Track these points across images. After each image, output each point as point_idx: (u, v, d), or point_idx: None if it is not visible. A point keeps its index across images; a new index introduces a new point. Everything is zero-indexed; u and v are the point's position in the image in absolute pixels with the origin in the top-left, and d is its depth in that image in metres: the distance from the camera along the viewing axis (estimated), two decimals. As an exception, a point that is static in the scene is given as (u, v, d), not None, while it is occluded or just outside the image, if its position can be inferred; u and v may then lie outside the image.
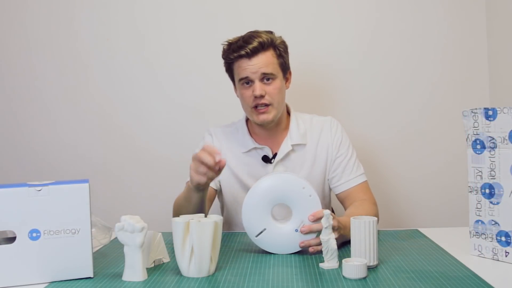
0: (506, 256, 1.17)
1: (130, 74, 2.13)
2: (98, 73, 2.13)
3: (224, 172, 1.42)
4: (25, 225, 1.09)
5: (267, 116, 1.54)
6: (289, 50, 1.62)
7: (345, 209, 1.57)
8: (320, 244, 1.21)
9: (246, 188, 1.55)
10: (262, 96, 1.52)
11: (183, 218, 1.18)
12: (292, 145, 1.60)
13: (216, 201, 1.73)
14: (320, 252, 1.22)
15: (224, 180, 1.63)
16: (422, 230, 1.51)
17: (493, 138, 1.18)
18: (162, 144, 2.13)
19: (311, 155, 1.61)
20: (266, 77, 1.53)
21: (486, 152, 1.20)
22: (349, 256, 1.19)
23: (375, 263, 1.15)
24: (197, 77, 2.11)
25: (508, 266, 1.15)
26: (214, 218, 1.16)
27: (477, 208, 1.22)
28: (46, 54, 2.14)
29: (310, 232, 1.26)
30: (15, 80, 2.15)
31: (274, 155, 1.60)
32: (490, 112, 1.18)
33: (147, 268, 1.16)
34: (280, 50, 1.56)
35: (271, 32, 1.58)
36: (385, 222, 2.05)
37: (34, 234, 1.09)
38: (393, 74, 2.08)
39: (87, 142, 2.14)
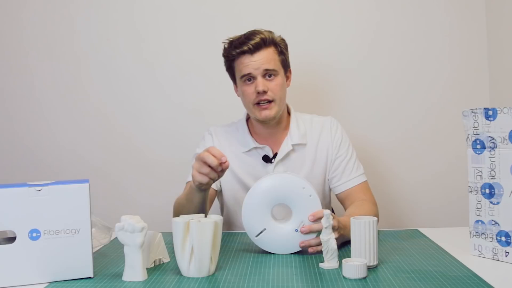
0: (506, 256, 1.17)
1: (130, 75, 2.13)
2: (98, 73, 2.13)
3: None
4: (25, 225, 1.09)
5: (270, 112, 1.55)
6: (290, 50, 1.63)
7: (345, 209, 1.57)
8: (320, 244, 1.21)
9: (246, 188, 1.55)
10: (264, 92, 1.53)
11: (183, 218, 1.18)
12: (293, 145, 1.60)
13: (216, 201, 1.73)
14: (320, 252, 1.23)
15: (224, 180, 1.63)
16: (422, 230, 1.51)
17: (493, 138, 1.18)
18: (162, 144, 2.13)
19: (311, 155, 1.61)
20: (268, 73, 1.54)
21: (486, 152, 1.20)
22: (349, 256, 1.19)
23: (375, 263, 1.15)
24: (197, 78, 2.11)
25: (508, 266, 1.15)
26: (214, 218, 1.16)
27: (477, 208, 1.22)
28: (46, 54, 2.13)
29: (310, 232, 1.26)
30: (14, 81, 2.15)
31: (275, 155, 1.60)
32: (490, 112, 1.18)
33: (147, 268, 1.16)
34: (281, 47, 1.57)
35: (271, 32, 1.59)
36: (385, 222, 2.05)
37: (34, 234, 1.09)
38: (393, 74, 2.08)
39: (87, 142, 2.14)
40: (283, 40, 1.60)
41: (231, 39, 1.58)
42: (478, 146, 1.21)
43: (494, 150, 1.18)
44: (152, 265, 1.21)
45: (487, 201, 1.20)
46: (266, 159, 1.60)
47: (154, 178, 2.14)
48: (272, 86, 1.54)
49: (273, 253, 1.29)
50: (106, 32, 2.12)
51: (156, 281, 1.10)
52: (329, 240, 1.15)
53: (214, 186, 1.63)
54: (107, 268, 1.21)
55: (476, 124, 1.21)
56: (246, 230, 1.30)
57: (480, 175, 1.21)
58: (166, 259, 1.26)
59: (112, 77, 2.13)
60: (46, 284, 1.10)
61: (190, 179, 1.49)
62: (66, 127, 2.15)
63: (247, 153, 1.62)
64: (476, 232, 1.23)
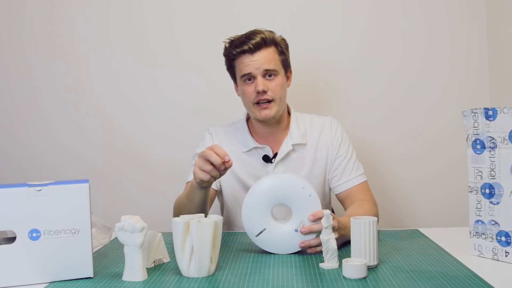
0: (506, 256, 1.17)
1: (130, 75, 2.13)
2: (98, 73, 2.13)
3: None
4: (25, 225, 1.09)
5: (269, 111, 1.55)
6: (290, 50, 1.63)
7: (345, 209, 1.57)
8: (320, 244, 1.21)
9: (246, 188, 1.55)
10: (264, 92, 1.53)
11: (183, 218, 1.18)
12: (293, 145, 1.60)
13: (216, 201, 1.73)
14: (320, 252, 1.23)
15: (224, 180, 1.63)
16: (422, 230, 1.51)
17: (493, 138, 1.18)
18: (162, 144, 2.13)
19: (311, 155, 1.61)
20: (268, 73, 1.54)
21: (486, 152, 1.20)
22: (349, 256, 1.19)
23: (375, 263, 1.15)
24: (197, 78, 2.11)
25: (508, 266, 1.15)
26: (214, 218, 1.16)
27: (477, 208, 1.22)
28: (46, 54, 2.13)
29: (310, 232, 1.26)
30: (14, 81, 2.15)
31: (275, 155, 1.60)
32: (490, 112, 1.18)
33: (147, 268, 1.16)
34: (281, 47, 1.58)
35: (272, 32, 1.59)
36: (385, 222, 2.05)
37: (34, 234, 1.09)
38: (393, 74, 2.08)
39: (87, 142, 2.14)
40: (283, 40, 1.61)
41: (232, 39, 1.58)
42: (478, 146, 1.21)
43: (494, 150, 1.18)
44: (152, 265, 1.21)
45: (487, 201, 1.20)
46: (266, 159, 1.60)
47: (154, 178, 2.14)
48: (272, 86, 1.54)
49: (273, 253, 1.29)
50: (106, 32, 2.12)
51: (156, 281, 1.10)
52: (329, 240, 1.15)
53: (214, 186, 1.63)
54: (107, 268, 1.21)
55: (476, 124, 1.21)
56: (246, 230, 1.30)
57: (480, 175, 1.21)
58: (166, 259, 1.26)
59: (112, 77, 2.13)
60: (46, 284, 1.10)
61: (190, 179, 1.50)
62: (66, 127, 2.15)
63: (247, 153, 1.62)
64: (476, 232, 1.23)
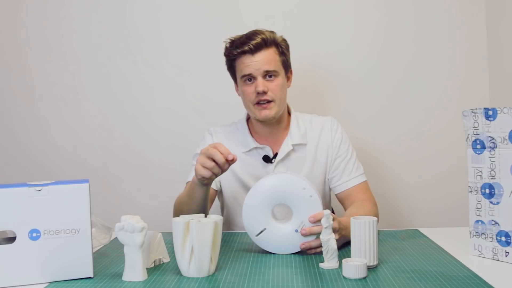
0: (506, 256, 1.17)
1: (129, 75, 2.12)
2: (97, 73, 2.13)
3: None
4: (25, 225, 1.09)
5: (269, 112, 1.55)
6: (290, 50, 1.63)
7: (345, 209, 1.57)
8: (320, 246, 1.21)
9: (247, 188, 1.55)
10: (264, 93, 1.53)
11: (183, 218, 1.18)
12: (293, 145, 1.60)
13: (216, 201, 1.73)
14: (320, 253, 1.22)
15: (224, 180, 1.63)
16: (422, 230, 1.51)
17: (493, 138, 1.18)
18: (162, 144, 2.13)
19: (311, 155, 1.61)
20: (268, 74, 1.54)
21: (486, 152, 1.20)
22: (349, 256, 1.19)
23: (375, 263, 1.15)
24: (197, 78, 2.11)
25: (508, 266, 1.15)
26: (214, 218, 1.16)
27: (477, 208, 1.22)
28: (46, 55, 2.13)
29: (310, 234, 1.26)
30: (14, 81, 2.15)
31: (275, 155, 1.60)
32: (490, 112, 1.18)
33: (147, 268, 1.16)
34: (282, 47, 1.58)
35: (272, 32, 1.59)
36: (385, 222, 2.05)
37: (34, 234, 1.09)
38: (393, 74, 2.08)
39: (87, 142, 2.14)
40: (284, 40, 1.60)
41: (233, 39, 1.58)
42: (478, 146, 1.21)
43: (494, 150, 1.18)
44: (152, 265, 1.21)
45: (487, 201, 1.20)
46: (267, 159, 1.60)
47: (154, 178, 2.13)
48: (272, 86, 1.54)
49: (273, 253, 1.29)
50: (105, 32, 2.12)
51: (156, 281, 1.10)
52: (329, 240, 1.15)
53: (214, 186, 1.63)
54: (107, 268, 1.21)
55: (476, 124, 1.21)
56: (247, 229, 1.30)
57: (480, 175, 1.21)
58: (166, 259, 1.26)
59: (111, 77, 2.13)
60: (46, 284, 1.10)
61: (190, 179, 1.50)
62: (66, 127, 2.15)
63: (248, 153, 1.62)
64: (476, 232, 1.23)
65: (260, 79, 1.53)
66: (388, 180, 2.10)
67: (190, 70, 2.11)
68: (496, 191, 1.18)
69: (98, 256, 1.31)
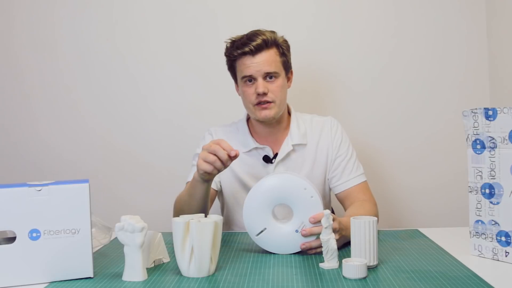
0: (506, 256, 1.17)
1: (129, 75, 2.12)
2: (97, 73, 2.13)
3: (224, 172, 1.42)
4: (25, 225, 1.09)
5: (269, 112, 1.55)
6: (290, 50, 1.63)
7: (345, 209, 1.57)
8: (320, 246, 1.21)
9: (247, 188, 1.55)
10: (264, 94, 1.53)
11: (183, 218, 1.18)
12: (293, 145, 1.60)
13: (216, 201, 1.73)
14: (320, 253, 1.22)
15: (224, 180, 1.64)
16: (422, 230, 1.51)
17: (493, 138, 1.18)
18: (162, 144, 2.13)
19: (312, 155, 1.61)
20: (269, 75, 1.54)
21: (486, 152, 1.20)
22: (349, 256, 1.19)
23: (375, 263, 1.15)
24: (197, 78, 2.11)
25: (508, 266, 1.15)
26: (214, 218, 1.16)
27: (477, 208, 1.22)
28: (46, 55, 2.13)
29: (311, 235, 1.26)
30: (14, 81, 2.15)
31: (275, 155, 1.60)
32: (490, 112, 1.18)
33: (147, 268, 1.16)
34: (283, 48, 1.57)
35: (273, 32, 1.58)
36: (385, 223, 2.05)
37: (34, 234, 1.09)
38: (393, 74, 2.08)
39: (87, 142, 2.14)
40: (285, 41, 1.60)
41: (233, 39, 1.58)
42: (478, 146, 1.21)
43: (494, 150, 1.18)
44: (152, 265, 1.21)
45: (487, 201, 1.20)
46: (267, 159, 1.60)
47: (154, 178, 2.14)
48: (273, 87, 1.54)
49: (273, 253, 1.29)
50: (105, 32, 2.12)
51: (156, 281, 1.10)
52: (329, 240, 1.15)
53: (214, 186, 1.63)
54: (107, 268, 1.21)
55: (476, 124, 1.21)
56: (247, 229, 1.30)
57: (480, 175, 1.21)
58: (166, 259, 1.26)
59: (111, 77, 2.13)
60: (46, 284, 1.10)
61: (190, 179, 1.50)
62: (65, 128, 2.15)
63: (248, 153, 1.62)
64: (476, 232, 1.23)
65: (260, 80, 1.53)
66: (388, 180, 2.10)
67: (190, 70, 2.11)
68: (496, 191, 1.18)
69: (98, 256, 1.31)
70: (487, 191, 1.20)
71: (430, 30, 2.06)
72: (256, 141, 1.62)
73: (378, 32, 2.07)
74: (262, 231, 1.29)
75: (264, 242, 1.30)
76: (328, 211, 1.17)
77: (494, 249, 1.19)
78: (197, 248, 1.10)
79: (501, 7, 1.94)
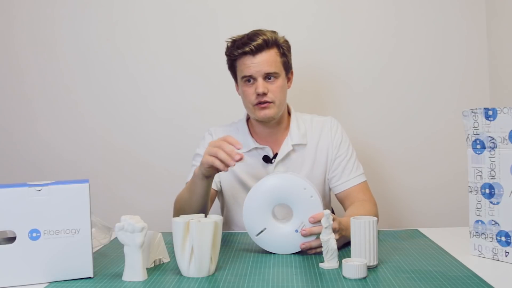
0: (506, 256, 1.17)
1: (129, 75, 2.12)
2: (97, 73, 2.13)
3: (224, 172, 1.42)
4: (25, 225, 1.09)
5: (269, 111, 1.55)
6: (291, 50, 1.63)
7: (345, 209, 1.57)
8: (320, 246, 1.21)
9: (247, 188, 1.55)
10: (264, 94, 1.53)
11: (183, 218, 1.18)
12: (293, 145, 1.60)
13: (216, 201, 1.73)
14: (320, 253, 1.22)
15: (224, 180, 1.64)
16: (422, 230, 1.51)
17: (493, 138, 1.18)
18: (162, 144, 2.13)
19: (311, 155, 1.61)
20: (269, 76, 1.54)
21: (486, 152, 1.20)
22: (349, 256, 1.19)
23: (375, 263, 1.15)
24: (197, 78, 2.11)
25: (508, 266, 1.15)
26: (214, 218, 1.16)
27: (477, 208, 1.22)
28: (46, 55, 2.13)
29: (311, 234, 1.26)
30: (14, 81, 2.15)
31: (275, 155, 1.60)
32: (490, 112, 1.18)
33: (147, 268, 1.16)
34: (283, 49, 1.57)
35: (274, 32, 1.58)
36: (385, 223, 2.05)
37: (34, 234, 1.09)
38: (393, 74, 2.08)
39: (87, 142, 2.14)
40: (286, 41, 1.60)
41: (234, 38, 1.58)
42: (478, 146, 1.21)
43: (494, 150, 1.18)
44: (152, 265, 1.21)
45: (487, 201, 1.20)
46: (267, 159, 1.60)
47: (154, 178, 2.14)
48: (273, 88, 1.54)
49: (273, 253, 1.29)
50: (105, 32, 2.12)
51: (156, 281, 1.10)
52: (329, 240, 1.15)
53: (214, 186, 1.62)
54: (107, 268, 1.21)
55: (476, 124, 1.21)
56: (247, 229, 1.30)
57: (480, 175, 1.21)
58: (166, 259, 1.26)
59: (111, 77, 2.13)
60: (46, 284, 1.10)
61: (190, 179, 1.50)
62: (65, 128, 2.15)
63: (248, 153, 1.62)
64: (476, 232, 1.23)
65: (260, 81, 1.53)
66: (388, 180, 2.10)
67: (190, 70, 2.11)
68: (496, 191, 1.18)
69: (98, 256, 1.31)
70: (487, 191, 1.20)
71: (430, 30, 2.06)
72: (256, 141, 1.62)
73: (378, 32, 2.07)
74: (262, 231, 1.29)
75: (264, 242, 1.30)
76: (328, 211, 1.17)
77: (494, 249, 1.19)
78: (197, 248, 1.10)
79: (501, 7, 1.94)
